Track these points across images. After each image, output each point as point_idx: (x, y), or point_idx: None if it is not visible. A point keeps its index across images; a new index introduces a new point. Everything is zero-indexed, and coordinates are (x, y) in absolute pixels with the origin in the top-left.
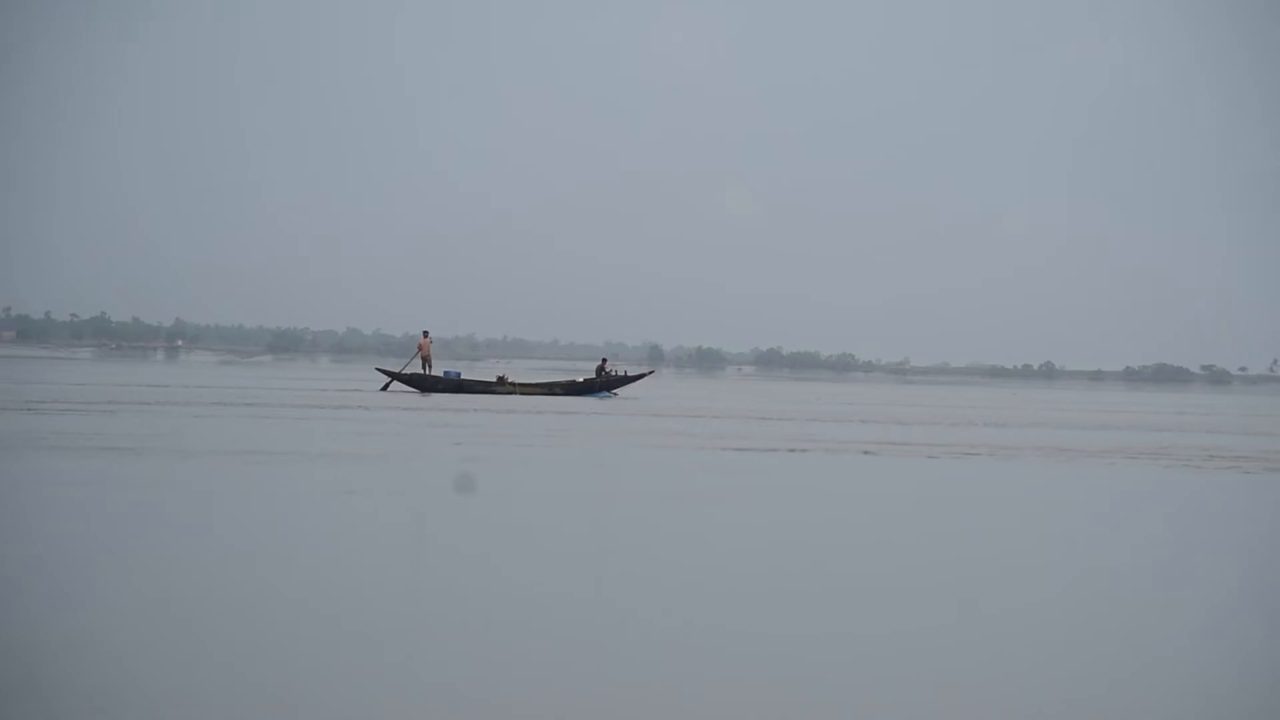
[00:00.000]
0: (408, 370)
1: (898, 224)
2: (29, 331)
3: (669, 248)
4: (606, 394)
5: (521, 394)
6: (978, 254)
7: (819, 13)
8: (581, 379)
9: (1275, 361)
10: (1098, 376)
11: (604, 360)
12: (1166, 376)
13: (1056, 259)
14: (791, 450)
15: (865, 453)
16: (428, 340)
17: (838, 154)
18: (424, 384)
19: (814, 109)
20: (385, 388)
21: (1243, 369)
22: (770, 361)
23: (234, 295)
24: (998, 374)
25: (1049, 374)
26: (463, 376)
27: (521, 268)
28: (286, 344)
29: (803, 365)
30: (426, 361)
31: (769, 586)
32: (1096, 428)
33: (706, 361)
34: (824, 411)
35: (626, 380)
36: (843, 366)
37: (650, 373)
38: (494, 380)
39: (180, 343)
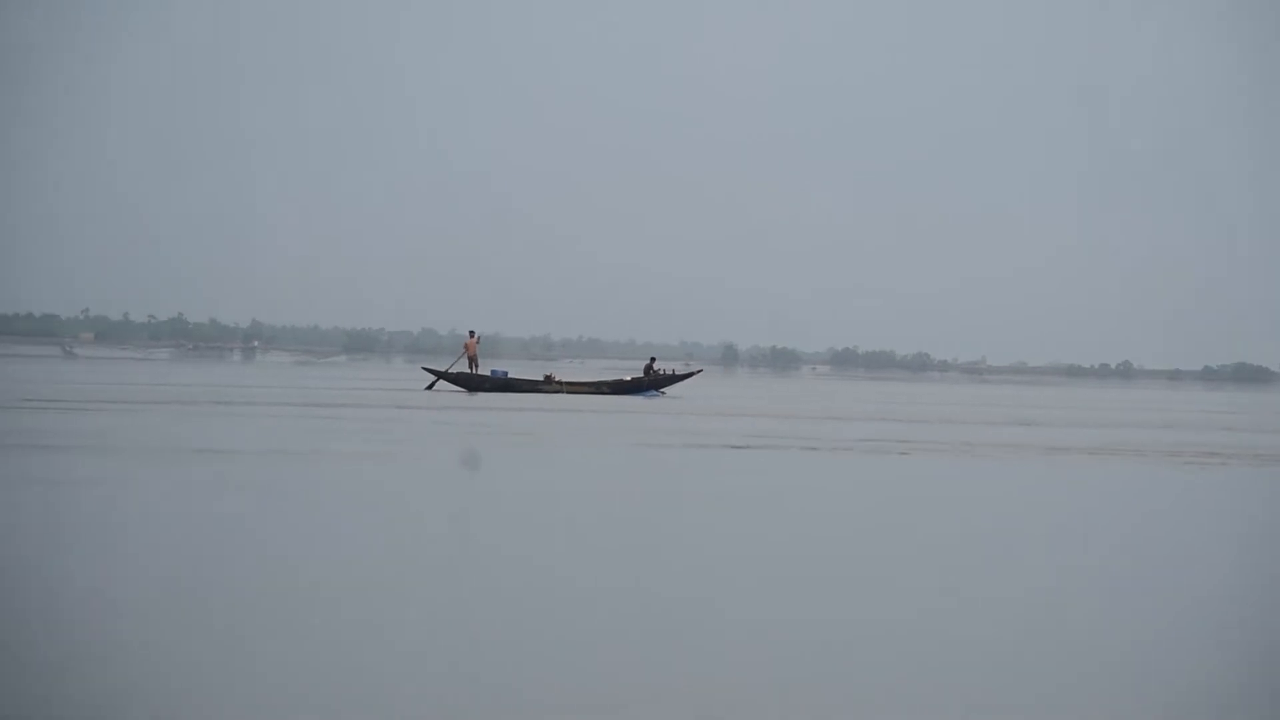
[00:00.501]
0: (454, 370)
1: (971, 219)
2: (107, 333)
3: (744, 249)
4: (654, 393)
5: (568, 393)
6: (1055, 251)
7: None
8: (629, 378)
9: None
10: (1175, 376)
11: (652, 359)
12: (1246, 376)
13: (1133, 258)
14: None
15: (850, 451)
16: (474, 340)
17: (906, 147)
18: (471, 383)
19: (872, 102)
20: (431, 386)
21: None
22: (845, 361)
23: (309, 296)
24: (1075, 373)
25: (1126, 373)
26: (510, 375)
27: (596, 268)
28: (361, 344)
29: (877, 365)
30: (473, 361)
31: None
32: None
33: (781, 361)
34: (856, 410)
35: (674, 379)
36: (918, 366)
37: (698, 371)
38: (541, 379)
39: (256, 344)
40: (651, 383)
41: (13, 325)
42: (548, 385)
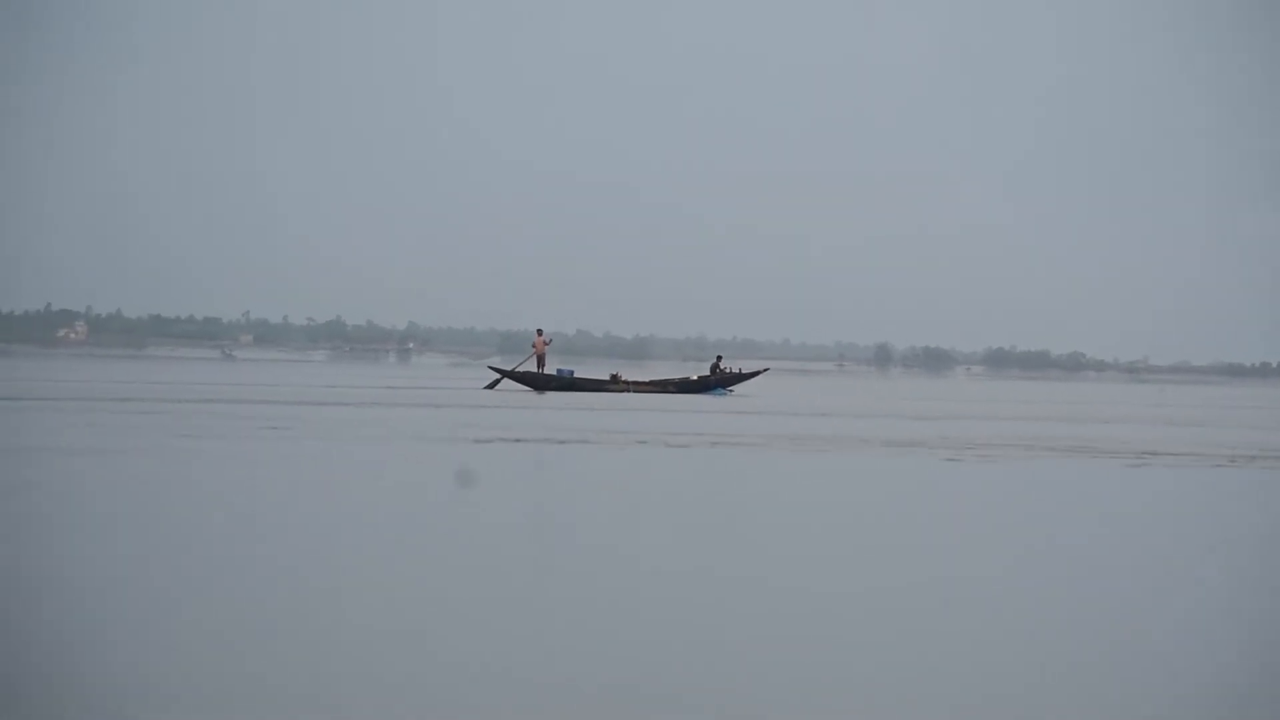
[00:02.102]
0: (521, 369)
1: (1133, 215)
2: (267, 335)
3: (900, 245)
4: (722, 391)
5: (635, 392)
6: (1223, 247)
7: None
8: (695, 376)
9: None
10: None
11: (719, 358)
12: None
13: None
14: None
15: (868, 449)
16: (542, 339)
17: (1065, 146)
18: (538, 382)
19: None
20: (493, 385)
21: None
22: (999, 361)
23: (465, 298)
24: (1236, 372)
25: None
26: (576, 375)
27: (751, 267)
28: (515, 346)
29: (1032, 365)
30: (541, 360)
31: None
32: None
33: (934, 362)
34: (928, 410)
35: (741, 377)
36: (1073, 365)
37: (765, 370)
38: (607, 378)
39: (411, 345)
40: (719, 380)
41: (173, 328)
42: (614, 384)
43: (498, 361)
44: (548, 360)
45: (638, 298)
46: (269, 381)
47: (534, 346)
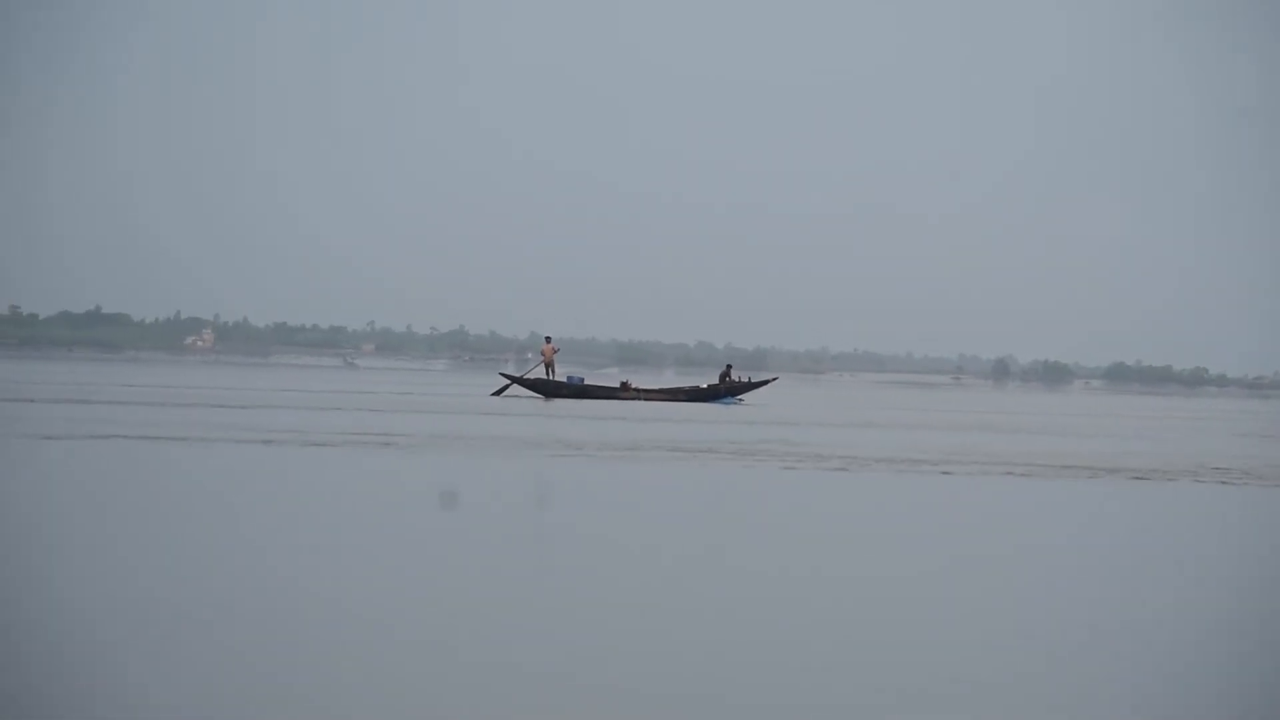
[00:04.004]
0: (530, 375)
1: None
2: (389, 344)
3: (1027, 262)
4: (731, 400)
5: (644, 400)
6: None
7: None
8: (705, 385)
9: None
10: None
11: (728, 366)
12: None
13: None
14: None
15: (839, 468)
16: (550, 346)
17: (1196, 162)
18: (547, 389)
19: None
20: (499, 392)
21: None
22: (1119, 376)
23: (587, 309)
24: None
25: None
26: (585, 382)
27: (870, 282)
28: (634, 356)
29: (1153, 379)
30: (550, 367)
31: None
32: None
33: (1052, 376)
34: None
35: (750, 386)
36: (1194, 381)
37: (774, 379)
38: (618, 386)
39: (530, 355)
40: (728, 389)
41: (297, 336)
42: (624, 392)
43: (614, 371)
44: (556, 366)
45: (759, 309)
46: (394, 389)
47: (542, 353)
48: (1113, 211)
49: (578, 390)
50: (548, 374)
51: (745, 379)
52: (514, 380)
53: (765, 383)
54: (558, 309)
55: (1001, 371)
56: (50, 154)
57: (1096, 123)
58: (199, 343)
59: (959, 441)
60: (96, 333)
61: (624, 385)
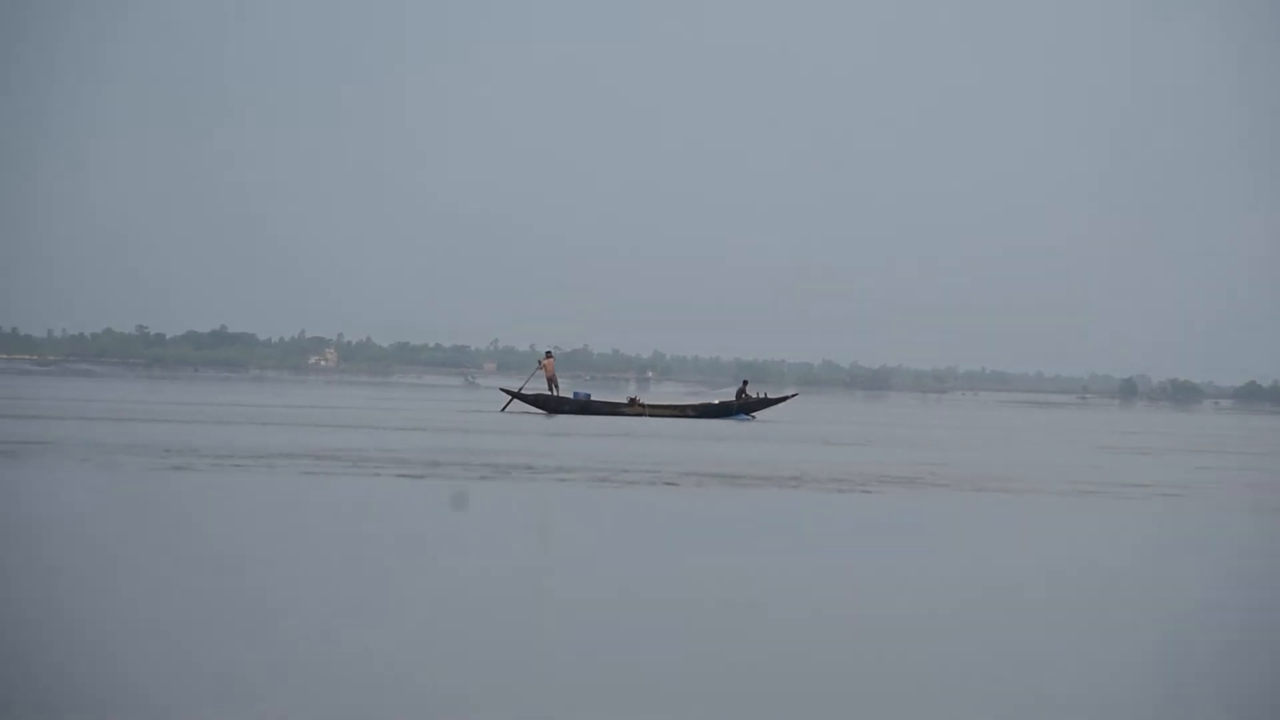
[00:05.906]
0: (527, 390)
1: None
2: (510, 362)
3: (1169, 279)
4: (744, 416)
5: (651, 416)
6: None
7: None
8: (718, 401)
9: None
10: None
11: (745, 382)
12: None
13: None
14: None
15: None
16: (550, 360)
17: None
18: (549, 404)
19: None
20: (504, 408)
21: None
22: (1251, 395)
23: (707, 328)
24: None
25: None
26: (592, 398)
27: (1006, 299)
28: (755, 375)
29: None
30: (552, 382)
31: None
32: None
33: (1182, 395)
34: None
35: (766, 403)
36: None
37: (794, 395)
38: (624, 402)
39: (650, 374)
40: (741, 406)
41: (419, 355)
42: (630, 408)
43: (731, 390)
44: (559, 381)
45: (876, 329)
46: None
47: (543, 367)
48: (1248, 225)
49: (581, 406)
50: (550, 389)
51: (762, 395)
52: (514, 395)
53: (783, 399)
54: (678, 329)
55: (1129, 391)
56: (176, 177)
57: (1232, 132)
58: (322, 362)
59: (900, 457)
60: (221, 352)
61: (631, 401)
